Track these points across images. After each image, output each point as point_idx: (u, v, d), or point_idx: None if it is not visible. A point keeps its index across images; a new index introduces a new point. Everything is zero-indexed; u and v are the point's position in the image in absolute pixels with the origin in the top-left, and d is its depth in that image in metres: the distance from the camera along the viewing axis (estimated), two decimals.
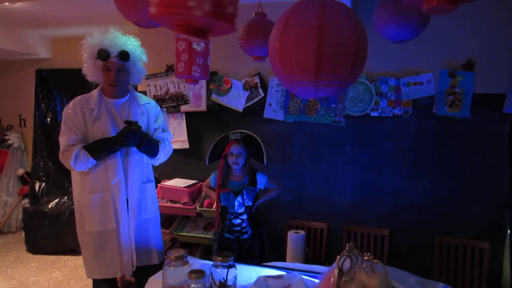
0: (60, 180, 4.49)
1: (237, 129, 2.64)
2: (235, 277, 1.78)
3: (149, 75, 3.56)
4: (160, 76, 3.50)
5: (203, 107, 3.37)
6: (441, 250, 2.80)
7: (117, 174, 2.20)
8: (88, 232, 2.23)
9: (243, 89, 3.24)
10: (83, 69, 2.22)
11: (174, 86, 3.46)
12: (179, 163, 3.50)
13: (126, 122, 2.20)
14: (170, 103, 3.48)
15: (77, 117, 2.17)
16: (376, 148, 2.99)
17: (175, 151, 3.52)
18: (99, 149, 2.14)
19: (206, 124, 3.42)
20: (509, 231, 2.69)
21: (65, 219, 4.18)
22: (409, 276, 1.78)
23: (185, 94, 3.43)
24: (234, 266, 1.79)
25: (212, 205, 3.12)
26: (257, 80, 3.19)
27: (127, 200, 2.26)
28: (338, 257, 0.86)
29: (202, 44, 1.86)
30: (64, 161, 2.17)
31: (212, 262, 1.80)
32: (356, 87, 2.97)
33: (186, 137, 3.46)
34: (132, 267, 2.30)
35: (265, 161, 2.56)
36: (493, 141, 2.75)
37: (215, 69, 3.28)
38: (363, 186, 3.03)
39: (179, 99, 3.46)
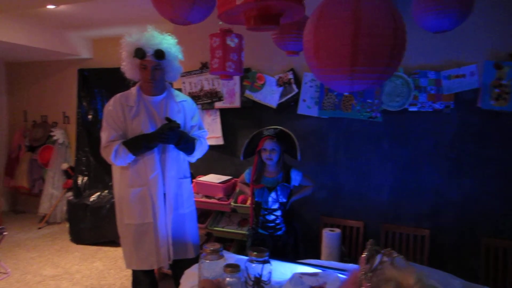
0: (100, 175, 4.69)
1: (271, 125, 2.63)
2: (270, 272, 1.78)
3: (183, 72, 3.61)
4: (194, 74, 3.56)
5: (237, 103, 3.39)
6: (487, 253, 2.65)
7: (155, 170, 2.27)
8: (127, 225, 2.32)
9: (277, 85, 3.23)
10: (122, 66, 2.30)
11: (209, 83, 3.50)
12: (214, 159, 3.55)
13: (166, 118, 2.25)
14: (205, 100, 3.53)
15: (117, 114, 2.25)
16: (415, 144, 2.88)
17: (210, 147, 3.56)
18: (137, 145, 2.21)
19: (240, 121, 3.43)
20: None
21: (105, 212, 4.35)
22: (452, 278, 1.70)
23: (219, 91, 3.46)
24: (269, 262, 1.79)
25: (247, 201, 3.14)
26: (290, 76, 3.16)
27: (164, 195, 2.32)
28: (362, 257, 0.83)
29: (236, 40, 1.87)
30: (105, 156, 2.26)
31: (246, 257, 1.82)
32: (393, 81, 2.87)
33: (220, 134, 3.50)
34: (169, 260, 2.37)
35: (299, 157, 2.54)
36: None
37: (248, 65, 3.29)
38: (401, 184, 2.93)
39: (213, 96, 3.50)
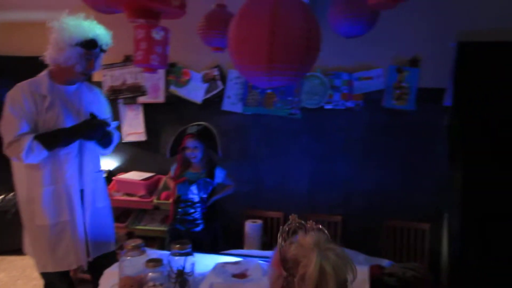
0: (4, 175, 4.26)
1: (195, 121, 2.65)
2: (193, 264, 1.82)
3: (105, 65, 3.46)
4: (117, 66, 3.42)
5: (161, 98, 3.34)
6: (388, 233, 2.99)
7: (72, 165, 2.15)
8: (40, 226, 2.15)
9: (202, 81, 3.25)
10: (54, 54, 2.06)
11: (132, 77, 3.40)
12: (135, 155, 3.46)
13: (91, 114, 2.15)
14: (127, 94, 3.41)
15: (28, 104, 2.02)
16: (330, 139, 3.13)
17: (132, 143, 3.49)
18: (56, 140, 2.04)
19: (164, 116, 3.39)
20: (446, 214, 2.92)
21: (11, 216, 3.97)
22: (357, 254, 1.91)
23: (142, 86, 3.38)
24: (192, 254, 1.82)
25: (170, 198, 3.12)
26: (216, 72, 3.21)
27: (81, 191, 2.21)
28: (281, 227, 0.93)
29: (162, 33, 1.86)
30: (13, 153, 2.01)
31: (168, 253, 1.83)
32: (311, 80, 3.08)
33: (143, 129, 3.42)
34: (89, 257, 2.27)
35: (219, 153, 2.62)
36: (435, 131, 2.97)
37: (174, 60, 3.26)
38: (318, 175, 3.16)
39: (136, 91, 3.40)
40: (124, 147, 3.50)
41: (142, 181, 3.18)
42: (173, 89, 3.30)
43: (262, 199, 3.26)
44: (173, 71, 3.28)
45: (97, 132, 2.14)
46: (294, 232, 0.92)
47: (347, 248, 1.97)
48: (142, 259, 1.81)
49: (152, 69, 1.88)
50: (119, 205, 3.26)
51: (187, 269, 1.78)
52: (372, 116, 3.06)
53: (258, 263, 1.92)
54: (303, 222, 1.08)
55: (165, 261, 1.80)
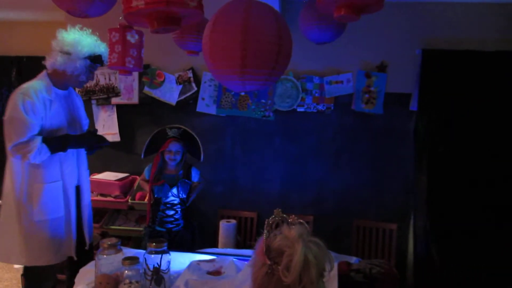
0: None
1: (170, 122, 2.69)
2: (169, 262, 1.85)
3: None
4: None
5: (135, 100, 3.35)
6: (357, 232, 3.12)
7: (71, 163, 2.34)
8: (38, 222, 2.22)
9: (176, 83, 3.28)
10: (58, 60, 2.21)
11: (105, 78, 3.39)
12: (110, 156, 3.44)
13: (93, 132, 2.39)
14: (100, 95, 3.40)
15: (40, 107, 2.13)
16: (302, 141, 3.23)
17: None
18: (62, 146, 2.19)
19: (138, 117, 3.40)
20: (412, 215, 3.08)
21: None
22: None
23: (116, 87, 3.37)
24: (168, 252, 1.86)
25: (145, 198, 3.13)
26: (190, 74, 3.25)
27: (76, 187, 2.39)
28: (266, 220, 1.00)
29: (136, 36, 1.90)
30: (19, 152, 2.08)
31: (145, 251, 1.86)
32: (284, 83, 3.17)
33: (117, 130, 3.41)
34: (86, 246, 2.46)
35: (202, 158, 2.68)
36: (401, 135, 3.12)
37: (148, 62, 3.27)
38: (290, 176, 3.26)
39: (110, 91, 3.39)
40: None
41: (117, 182, 3.18)
42: (148, 90, 3.32)
43: (236, 199, 3.32)
44: (147, 72, 3.30)
45: (96, 144, 2.38)
46: (277, 225, 0.99)
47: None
48: (118, 257, 1.84)
49: (127, 72, 1.92)
50: (94, 205, 3.21)
51: (163, 266, 1.82)
52: (342, 119, 3.18)
53: (232, 260, 1.98)
54: (285, 216, 1.16)
55: (141, 259, 1.83)
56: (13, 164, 2.20)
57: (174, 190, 2.60)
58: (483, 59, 2.89)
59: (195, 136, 2.65)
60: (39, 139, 2.09)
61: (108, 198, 3.16)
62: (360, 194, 3.19)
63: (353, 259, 1.98)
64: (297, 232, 0.90)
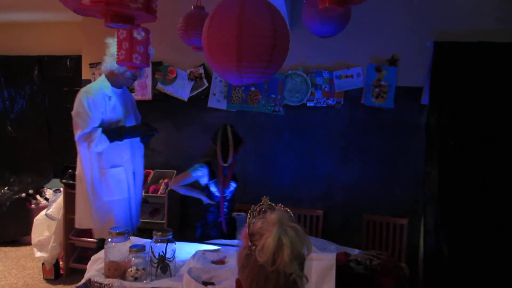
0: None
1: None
2: (174, 250, 1.93)
3: (93, 63, 3.57)
4: None
5: (148, 96, 3.44)
6: (368, 227, 3.11)
7: (129, 153, 2.66)
8: (106, 201, 2.59)
9: (188, 79, 3.35)
10: (108, 63, 2.54)
11: None
12: None
13: (146, 123, 2.73)
14: None
15: (100, 103, 2.48)
16: (312, 135, 3.24)
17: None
18: (118, 136, 2.51)
19: (152, 113, 3.47)
20: (423, 209, 3.04)
21: (5, 209, 4.07)
22: (329, 244, 2.03)
23: None
24: (173, 241, 1.93)
25: (158, 191, 3.22)
26: (201, 70, 3.32)
27: (133, 173, 2.71)
28: (252, 206, 1.04)
29: (143, 33, 1.97)
30: (84, 142, 2.44)
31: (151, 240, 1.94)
32: (293, 78, 3.19)
33: None
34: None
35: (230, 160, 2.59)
36: (412, 128, 3.09)
37: (160, 59, 3.36)
38: (300, 170, 3.28)
39: None
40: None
41: None
42: (160, 86, 3.40)
43: (246, 193, 3.36)
44: (159, 69, 3.38)
45: (146, 139, 2.74)
46: (264, 212, 1.03)
47: (327, 240, 2.11)
48: (126, 245, 1.93)
49: (135, 67, 1.99)
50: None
51: (168, 254, 1.89)
52: (352, 113, 3.17)
53: (236, 250, 2.03)
54: (273, 204, 1.20)
55: (147, 248, 1.91)
56: (81, 152, 2.57)
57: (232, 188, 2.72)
58: (497, 50, 2.82)
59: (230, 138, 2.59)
60: (99, 130, 2.44)
61: None
62: (370, 188, 3.17)
63: (355, 251, 1.99)
64: (277, 216, 0.94)
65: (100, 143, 2.44)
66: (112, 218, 2.61)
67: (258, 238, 0.91)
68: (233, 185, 2.70)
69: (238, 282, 0.97)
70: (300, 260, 0.91)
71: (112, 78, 2.59)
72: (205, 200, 2.64)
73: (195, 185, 2.66)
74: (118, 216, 2.63)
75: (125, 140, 2.59)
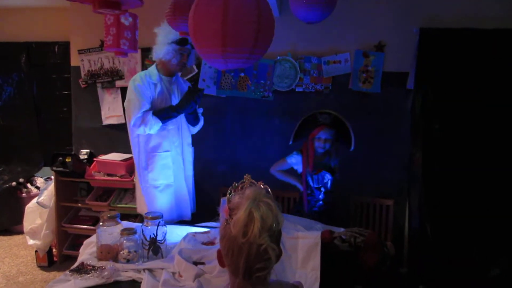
0: None
1: None
2: (164, 233, 1.98)
3: (82, 50, 3.55)
4: (94, 51, 3.50)
5: None
6: (355, 208, 3.19)
7: (177, 139, 2.74)
8: (153, 186, 2.67)
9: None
10: (155, 51, 2.58)
11: (109, 61, 3.49)
12: (115, 138, 3.57)
13: (191, 86, 2.71)
14: (105, 78, 3.51)
15: (146, 89, 2.57)
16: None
17: (111, 126, 3.60)
18: (168, 114, 2.57)
19: None
20: (408, 191, 3.13)
21: None
22: (315, 223, 2.10)
23: (120, 70, 3.48)
24: (164, 224, 1.99)
25: None
26: None
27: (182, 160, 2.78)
28: (234, 183, 1.10)
29: (130, 19, 1.98)
30: (138, 125, 2.51)
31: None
32: (282, 64, 3.22)
33: (122, 113, 3.52)
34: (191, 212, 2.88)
35: (352, 147, 2.59)
36: (398, 113, 3.15)
37: (149, 45, 3.33)
38: (289, 154, 3.32)
39: (114, 75, 3.50)
40: (104, 130, 3.63)
41: (122, 162, 3.31)
42: None
43: (237, 178, 3.40)
44: (149, 55, 3.37)
45: (197, 99, 2.67)
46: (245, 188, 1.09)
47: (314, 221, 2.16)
48: (118, 228, 1.97)
49: (123, 53, 2.01)
50: (101, 184, 3.40)
51: (159, 237, 1.95)
52: (340, 98, 3.22)
53: None
54: (254, 181, 1.24)
55: (138, 231, 1.96)
56: (131, 138, 2.69)
57: (327, 175, 2.63)
58: (481, 37, 2.88)
59: (347, 123, 2.54)
60: (150, 113, 2.52)
61: (114, 178, 3.30)
62: (359, 170, 3.24)
63: (340, 229, 2.06)
64: (253, 192, 0.99)
65: (154, 124, 2.52)
66: (160, 202, 2.69)
67: (235, 212, 0.97)
68: (328, 177, 2.63)
69: (219, 253, 1.04)
70: (271, 232, 0.96)
71: (161, 66, 2.66)
72: (300, 187, 2.66)
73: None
74: (160, 200, 2.70)
75: (174, 126, 2.67)
